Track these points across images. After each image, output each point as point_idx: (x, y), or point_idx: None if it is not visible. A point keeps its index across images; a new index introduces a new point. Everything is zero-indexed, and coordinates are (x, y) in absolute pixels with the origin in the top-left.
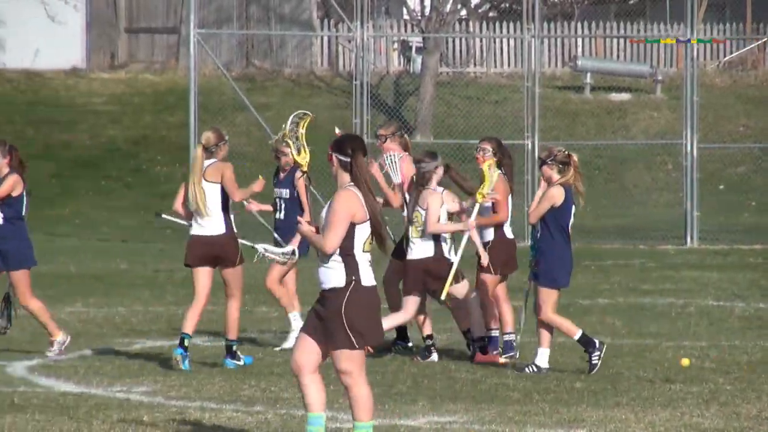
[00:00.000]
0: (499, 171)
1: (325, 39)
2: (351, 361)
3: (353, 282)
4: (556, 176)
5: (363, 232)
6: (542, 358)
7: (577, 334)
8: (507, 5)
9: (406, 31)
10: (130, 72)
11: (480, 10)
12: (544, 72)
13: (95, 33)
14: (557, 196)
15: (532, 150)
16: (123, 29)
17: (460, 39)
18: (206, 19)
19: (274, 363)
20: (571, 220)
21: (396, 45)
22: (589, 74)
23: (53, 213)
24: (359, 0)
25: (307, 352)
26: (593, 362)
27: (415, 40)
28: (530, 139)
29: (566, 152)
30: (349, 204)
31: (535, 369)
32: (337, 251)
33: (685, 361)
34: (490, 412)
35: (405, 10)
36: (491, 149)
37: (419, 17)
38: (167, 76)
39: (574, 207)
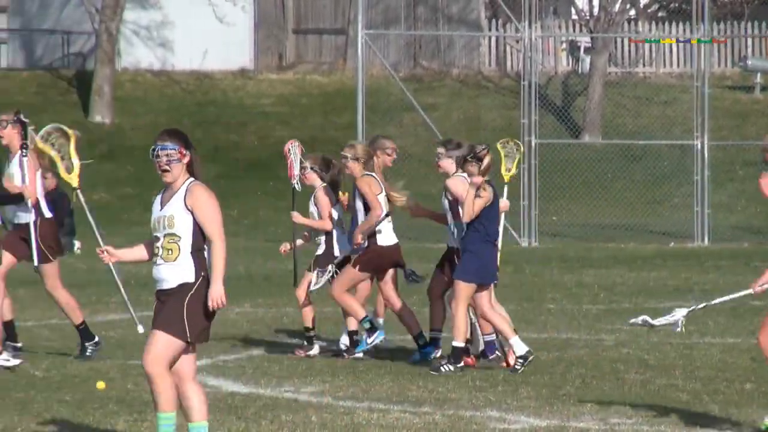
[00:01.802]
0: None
1: (493, 39)
2: (168, 348)
3: (202, 277)
4: (476, 172)
5: None
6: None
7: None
8: (676, 5)
9: (574, 31)
10: (298, 73)
11: (649, 10)
12: (713, 72)
13: (263, 34)
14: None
15: (701, 150)
16: (291, 30)
17: (629, 39)
18: (374, 20)
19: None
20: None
21: (564, 45)
22: (759, 74)
23: (222, 213)
24: (527, 0)
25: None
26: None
27: (584, 40)
28: (699, 140)
29: (486, 150)
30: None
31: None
32: (189, 248)
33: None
34: (658, 413)
35: (573, 10)
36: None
37: (587, 17)
38: (335, 77)
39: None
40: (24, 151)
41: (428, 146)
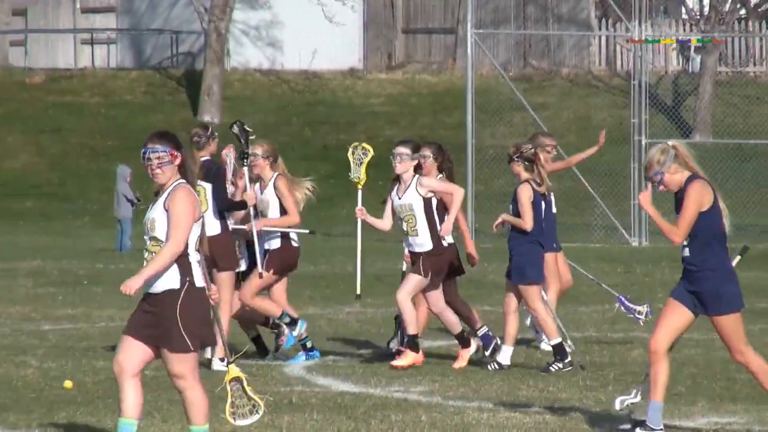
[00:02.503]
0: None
1: (603, 38)
2: (185, 363)
3: (187, 283)
4: (523, 173)
5: (196, 232)
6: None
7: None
8: None
9: (684, 30)
10: (408, 73)
11: (760, 9)
12: None
13: (372, 34)
14: (528, 192)
15: None
16: (400, 30)
17: (740, 38)
18: (484, 19)
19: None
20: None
21: (675, 44)
22: None
23: (331, 213)
24: None
25: (132, 354)
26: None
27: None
28: None
29: (533, 150)
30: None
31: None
32: None
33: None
34: None
35: (683, 10)
36: (431, 154)
37: (698, 17)
38: (444, 76)
39: (544, 204)
40: (245, 161)
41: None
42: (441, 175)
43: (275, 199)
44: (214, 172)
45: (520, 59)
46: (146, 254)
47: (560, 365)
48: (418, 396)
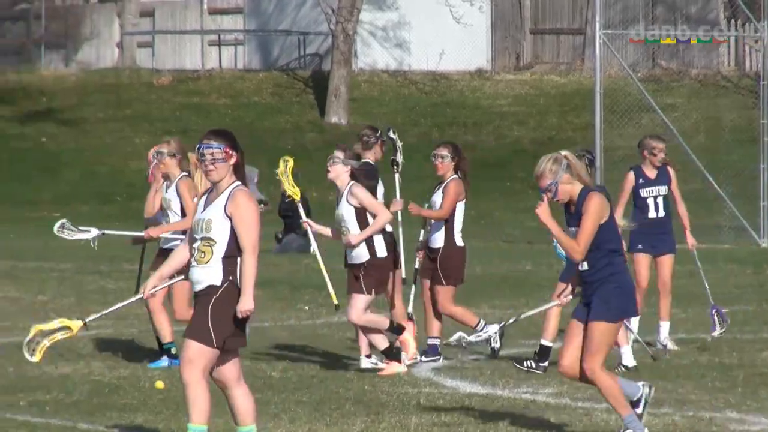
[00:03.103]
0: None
1: (732, 39)
2: (199, 356)
3: (228, 282)
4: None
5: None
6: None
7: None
8: None
9: None
10: (535, 73)
11: None
12: None
13: (500, 34)
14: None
15: None
16: (528, 30)
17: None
18: (612, 19)
19: (680, 365)
20: None
21: None
22: None
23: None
24: (766, 0)
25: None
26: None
27: None
28: None
29: (586, 154)
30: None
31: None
32: (222, 254)
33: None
34: None
35: None
36: (448, 154)
37: None
38: (573, 77)
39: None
40: (397, 167)
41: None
42: (456, 176)
43: (177, 200)
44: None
45: (648, 60)
46: (195, 253)
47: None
48: (546, 398)
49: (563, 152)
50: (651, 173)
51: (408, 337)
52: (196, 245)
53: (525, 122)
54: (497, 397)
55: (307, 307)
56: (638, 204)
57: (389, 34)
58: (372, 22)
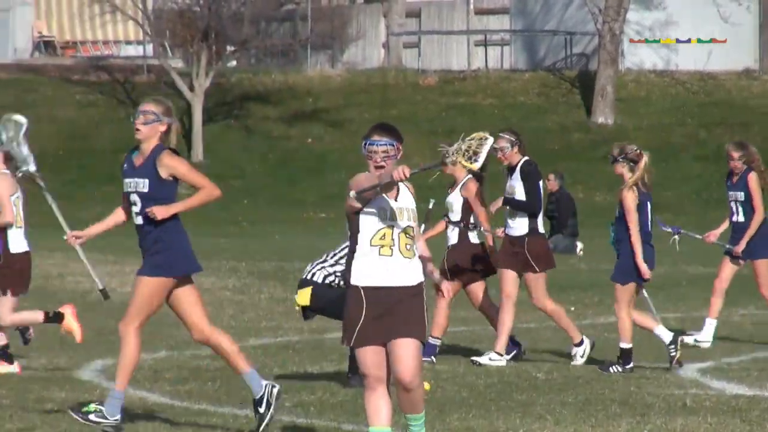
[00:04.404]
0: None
1: None
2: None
3: (421, 282)
4: (627, 174)
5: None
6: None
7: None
8: None
9: None
10: None
11: None
12: None
13: None
14: (632, 196)
15: None
16: None
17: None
18: None
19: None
20: (649, 217)
21: None
22: None
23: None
24: None
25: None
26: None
27: None
28: None
29: (638, 151)
30: None
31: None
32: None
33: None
34: None
35: None
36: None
37: None
38: None
39: (649, 204)
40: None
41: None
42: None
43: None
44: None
45: None
46: (396, 244)
47: (620, 368)
48: None
49: None
50: (734, 177)
51: (71, 323)
52: (394, 235)
53: None
54: (763, 399)
55: (573, 308)
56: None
57: (656, 34)
58: (639, 22)
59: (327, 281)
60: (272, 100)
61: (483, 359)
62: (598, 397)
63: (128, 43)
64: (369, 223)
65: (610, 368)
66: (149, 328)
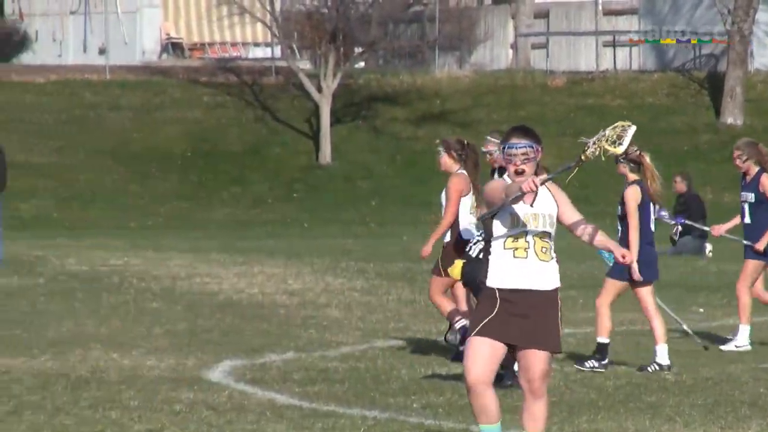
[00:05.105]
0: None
1: None
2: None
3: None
4: (630, 174)
5: None
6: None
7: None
8: None
9: None
10: None
11: None
12: None
13: None
14: (635, 194)
15: None
16: None
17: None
18: None
19: None
20: (652, 217)
21: None
22: None
23: None
24: None
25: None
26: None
27: None
28: None
29: (638, 152)
30: None
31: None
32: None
33: None
34: None
35: None
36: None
37: None
38: None
39: (653, 205)
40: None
41: None
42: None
43: None
44: None
45: None
46: (532, 247)
47: (596, 364)
48: None
49: None
50: (747, 178)
51: None
52: (527, 238)
53: None
54: None
55: (701, 310)
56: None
57: None
58: None
59: (481, 255)
60: (400, 101)
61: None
62: (728, 398)
63: (256, 44)
64: (502, 228)
65: (585, 363)
66: (277, 330)
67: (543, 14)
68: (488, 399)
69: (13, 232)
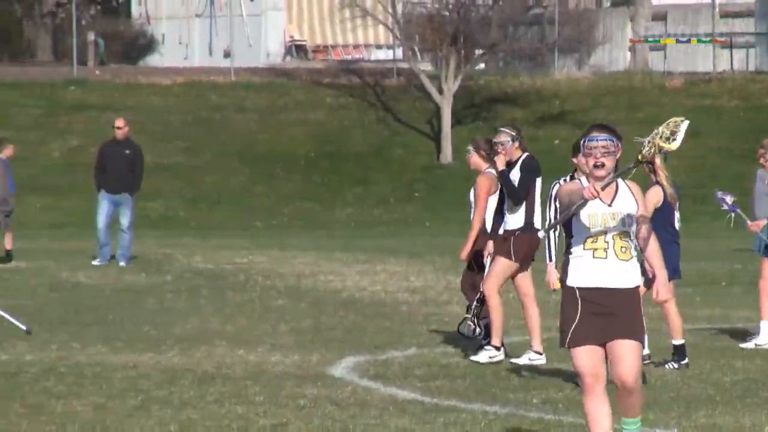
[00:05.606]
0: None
1: None
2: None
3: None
4: (652, 176)
5: None
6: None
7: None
8: None
9: None
10: None
11: None
12: None
13: None
14: (656, 196)
15: None
16: None
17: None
18: None
19: None
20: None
21: None
22: None
23: None
24: None
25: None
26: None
27: None
28: None
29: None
30: None
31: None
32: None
33: None
34: None
35: None
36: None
37: None
38: None
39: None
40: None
41: None
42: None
43: None
44: None
45: None
46: (611, 246)
47: (675, 365)
48: None
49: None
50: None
51: None
52: (607, 237)
53: None
54: None
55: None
56: None
57: None
58: None
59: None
60: (520, 102)
61: (522, 360)
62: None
63: (378, 47)
64: (580, 229)
65: (665, 366)
66: (399, 327)
67: (661, 16)
68: (602, 406)
69: (142, 230)
